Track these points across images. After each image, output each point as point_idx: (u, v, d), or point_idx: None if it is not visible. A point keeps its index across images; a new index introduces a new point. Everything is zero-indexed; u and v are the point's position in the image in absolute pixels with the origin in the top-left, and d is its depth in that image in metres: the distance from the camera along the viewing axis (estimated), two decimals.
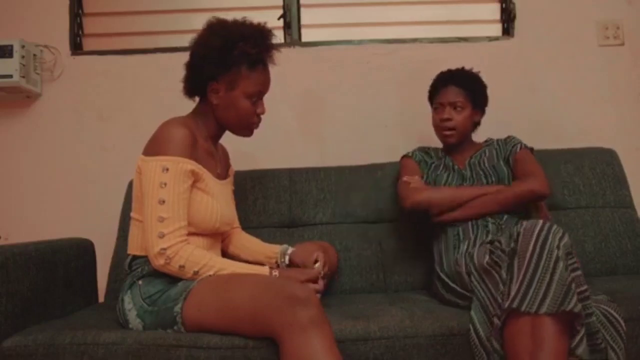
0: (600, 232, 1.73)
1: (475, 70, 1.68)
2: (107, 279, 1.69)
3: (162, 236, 1.20)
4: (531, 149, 1.63)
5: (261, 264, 1.46)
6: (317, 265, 1.42)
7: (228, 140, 1.49)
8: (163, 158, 1.24)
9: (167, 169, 1.23)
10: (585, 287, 1.11)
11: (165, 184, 1.22)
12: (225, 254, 1.53)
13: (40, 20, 2.08)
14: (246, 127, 1.40)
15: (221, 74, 1.32)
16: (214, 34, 1.32)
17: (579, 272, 1.12)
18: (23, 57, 1.91)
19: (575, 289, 1.07)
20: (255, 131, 1.44)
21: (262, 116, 1.41)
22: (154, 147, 1.27)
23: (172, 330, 1.19)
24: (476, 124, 1.68)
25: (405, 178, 1.60)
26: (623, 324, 1.15)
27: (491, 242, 1.34)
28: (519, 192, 1.48)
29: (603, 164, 1.83)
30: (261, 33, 1.34)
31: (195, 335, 1.16)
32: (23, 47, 1.92)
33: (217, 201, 1.35)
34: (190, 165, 1.26)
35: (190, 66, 1.37)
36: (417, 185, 1.56)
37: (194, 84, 1.39)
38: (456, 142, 1.64)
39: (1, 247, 1.27)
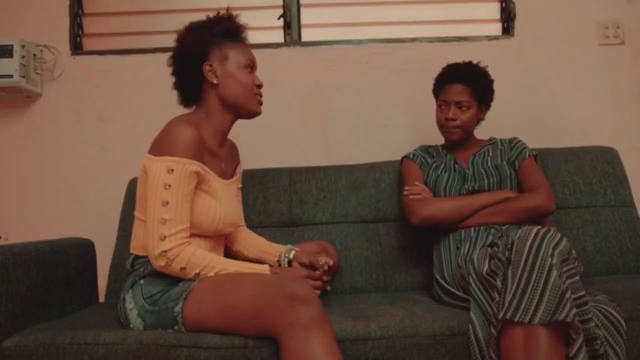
0: (601, 231, 1.73)
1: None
2: (107, 279, 1.69)
3: (163, 238, 1.20)
4: (535, 156, 1.61)
5: (263, 261, 1.47)
6: (322, 261, 1.45)
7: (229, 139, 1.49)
8: (169, 159, 1.23)
9: (172, 170, 1.22)
10: (582, 293, 1.10)
11: (170, 186, 1.22)
12: (229, 251, 1.53)
13: (40, 20, 2.08)
14: (252, 98, 1.41)
15: (210, 52, 1.36)
16: (191, 28, 1.39)
17: (576, 279, 1.11)
18: (23, 57, 1.91)
19: (570, 297, 1.06)
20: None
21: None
22: (160, 147, 1.27)
23: (173, 330, 1.19)
24: (480, 120, 1.67)
25: (405, 191, 1.57)
26: (624, 324, 1.15)
27: (491, 246, 1.33)
28: (526, 207, 1.47)
29: (603, 162, 1.82)
30: (230, 18, 1.41)
31: (195, 335, 1.16)
32: (23, 47, 1.92)
33: (220, 203, 1.35)
34: (195, 166, 1.26)
35: (176, 62, 1.39)
36: (421, 196, 1.54)
37: (187, 78, 1.39)
38: (460, 138, 1.63)
39: (1, 247, 1.27)
